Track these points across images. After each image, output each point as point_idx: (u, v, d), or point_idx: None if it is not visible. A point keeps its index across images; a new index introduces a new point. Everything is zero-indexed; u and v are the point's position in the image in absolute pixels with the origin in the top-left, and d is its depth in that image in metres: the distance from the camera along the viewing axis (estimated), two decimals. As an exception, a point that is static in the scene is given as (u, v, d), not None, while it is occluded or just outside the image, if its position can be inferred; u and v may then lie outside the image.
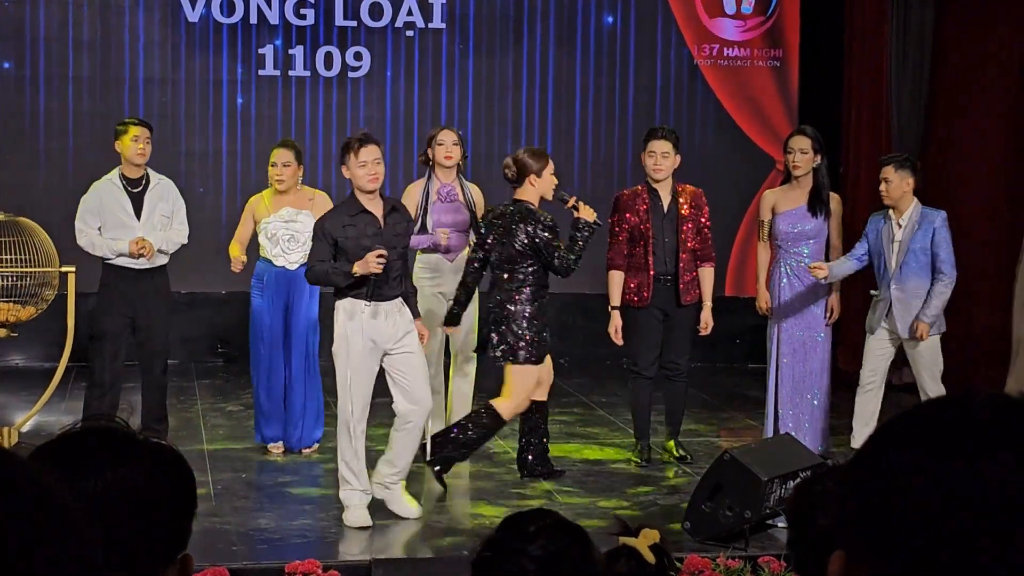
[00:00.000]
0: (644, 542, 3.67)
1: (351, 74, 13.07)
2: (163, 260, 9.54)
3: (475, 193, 9.69)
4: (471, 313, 9.51)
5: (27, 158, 12.70)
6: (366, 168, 7.98)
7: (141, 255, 9.32)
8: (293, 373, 9.63)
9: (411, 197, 9.57)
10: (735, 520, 7.69)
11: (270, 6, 12.91)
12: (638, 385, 9.60)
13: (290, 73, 13.01)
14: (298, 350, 9.62)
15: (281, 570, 7.20)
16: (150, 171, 9.59)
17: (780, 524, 7.99)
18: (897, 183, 9.09)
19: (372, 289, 7.92)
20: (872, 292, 9.47)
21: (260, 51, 12.95)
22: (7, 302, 8.75)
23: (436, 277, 9.55)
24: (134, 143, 9.40)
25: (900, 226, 9.14)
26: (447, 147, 9.51)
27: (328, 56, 13.02)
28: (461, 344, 9.62)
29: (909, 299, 9.14)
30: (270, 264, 9.56)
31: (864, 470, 1.48)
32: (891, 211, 9.19)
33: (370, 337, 7.95)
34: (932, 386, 9.21)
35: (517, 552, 2.95)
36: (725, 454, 7.86)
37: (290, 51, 12.99)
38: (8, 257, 8.72)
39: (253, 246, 9.71)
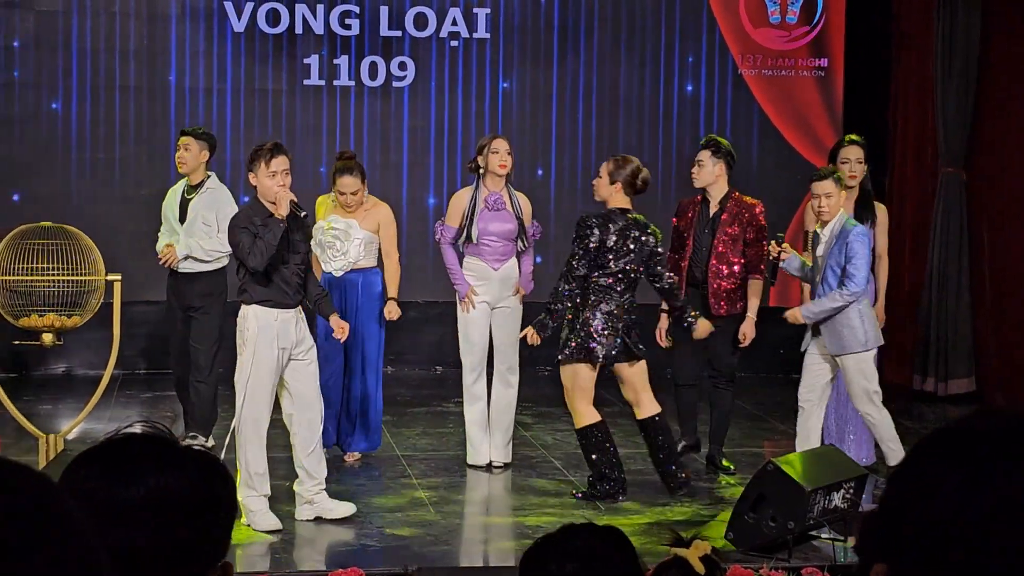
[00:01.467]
0: (695, 553, 3.68)
1: (395, 84, 13.09)
2: (202, 266, 9.70)
3: (523, 202, 9.68)
4: (519, 321, 9.55)
5: (74, 167, 12.78)
6: (276, 178, 8.03)
7: (162, 259, 9.67)
8: (347, 381, 9.67)
9: (458, 204, 9.58)
10: (778, 531, 7.66)
11: (315, 16, 12.96)
12: (677, 393, 9.64)
13: (335, 83, 13.05)
14: (367, 361, 9.68)
15: (324, 577, 7.22)
16: (211, 179, 9.88)
17: (823, 535, 7.96)
18: (836, 199, 8.72)
19: (279, 297, 8.01)
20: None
21: (305, 61, 13.00)
22: (54, 310, 8.81)
23: (481, 285, 9.55)
24: (176, 152, 9.79)
25: (822, 241, 8.79)
26: (501, 155, 9.50)
27: (372, 66, 13.05)
28: (505, 354, 9.62)
29: (834, 316, 8.73)
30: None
31: (903, 486, 1.48)
32: (816, 226, 8.87)
33: (279, 344, 8.02)
34: (862, 403, 8.82)
35: (560, 562, 2.95)
36: (768, 464, 7.83)
37: (335, 61, 13.03)
38: (55, 266, 8.78)
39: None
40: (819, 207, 8.68)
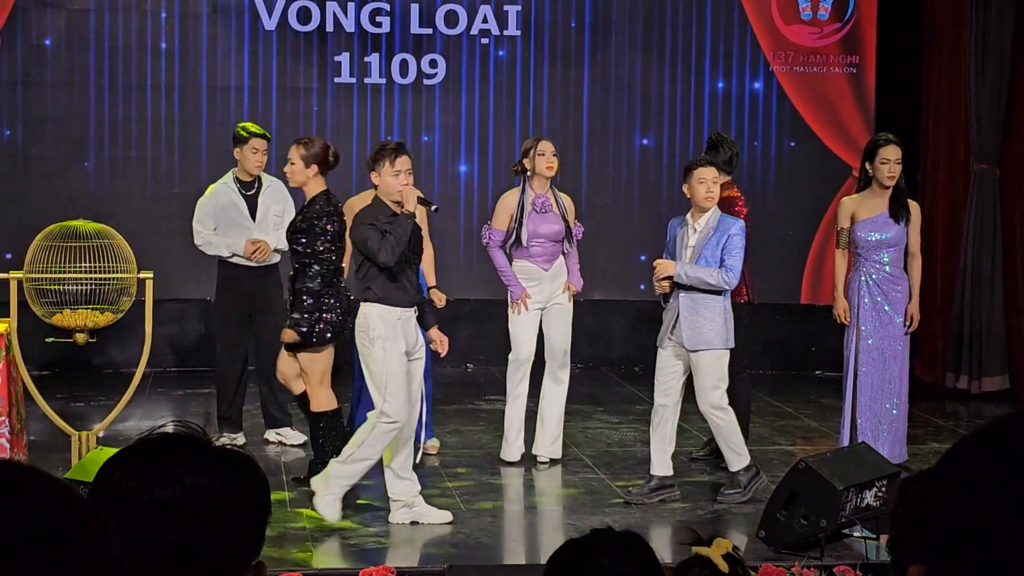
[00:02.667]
0: (717, 551, 3.67)
1: (426, 81, 13.10)
2: (276, 259, 9.94)
3: (568, 203, 9.70)
4: (570, 319, 9.58)
5: (106, 165, 12.82)
6: (400, 177, 8.10)
7: (255, 255, 9.76)
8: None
9: (505, 207, 9.59)
10: (810, 529, 7.64)
11: (346, 14, 12.96)
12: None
13: (365, 80, 13.05)
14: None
15: (356, 575, 7.23)
16: (262, 173, 9.99)
17: (856, 533, 7.93)
18: (719, 186, 8.64)
19: (401, 296, 8.06)
20: (662, 304, 8.84)
21: (336, 59, 13.01)
22: (86, 308, 8.84)
23: (533, 286, 9.56)
24: (253, 155, 9.81)
25: (696, 231, 8.64)
26: (548, 157, 9.53)
27: (403, 63, 13.06)
28: (556, 351, 9.63)
29: (698, 309, 8.58)
30: None
31: (940, 487, 1.47)
32: (688, 216, 8.73)
33: (404, 342, 8.08)
34: (710, 401, 8.59)
35: (587, 563, 2.97)
36: (800, 462, 7.81)
37: (366, 59, 13.04)
38: (87, 264, 8.81)
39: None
40: (707, 193, 8.54)
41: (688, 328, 8.54)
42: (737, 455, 8.73)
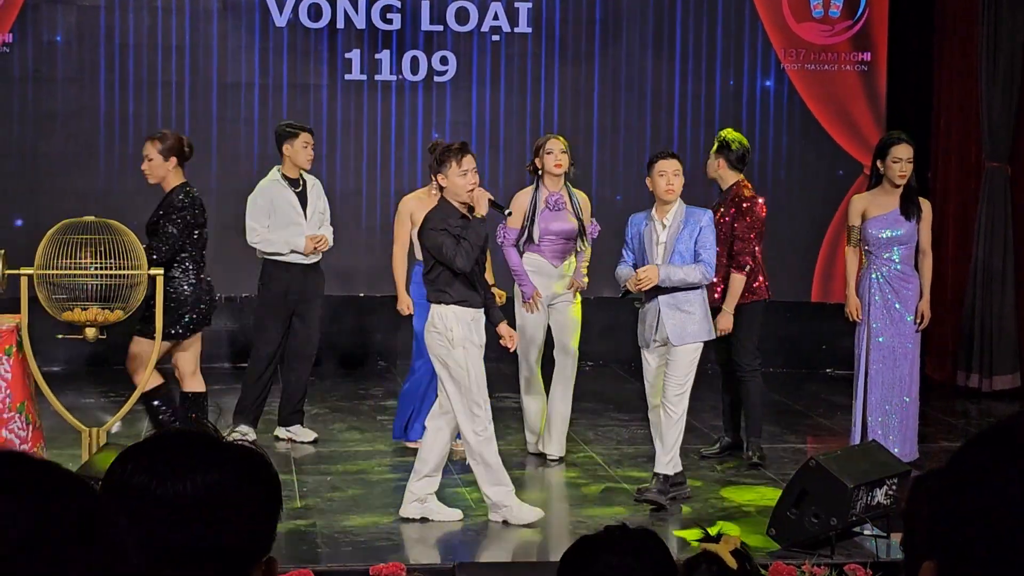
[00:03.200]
0: (725, 547, 3.66)
1: (437, 79, 13.09)
2: (319, 256, 10.05)
3: (583, 201, 9.70)
4: (576, 317, 9.58)
5: (116, 162, 12.82)
6: (468, 177, 8.09)
7: (318, 247, 9.91)
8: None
9: (518, 205, 9.59)
10: (821, 527, 7.63)
11: (357, 11, 12.96)
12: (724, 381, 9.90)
13: (376, 78, 13.05)
14: None
15: (366, 572, 7.23)
16: (303, 172, 10.08)
17: (866, 532, 7.93)
18: (682, 178, 8.53)
19: (473, 297, 8.10)
20: (636, 303, 8.70)
21: (347, 56, 13.01)
22: (97, 304, 8.84)
23: (540, 281, 9.57)
24: (304, 149, 9.90)
25: (665, 226, 8.51)
26: (556, 155, 9.53)
27: (414, 60, 13.05)
28: (563, 348, 9.64)
29: (680, 306, 8.49)
30: None
31: (953, 484, 1.46)
32: (654, 211, 8.56)
33: (478, 342, 8.12)
34: (679, 394, 8.47)
35: (600, 559, 2.96)
36: (811, 460, 7.80)
37: (376, 56, 13.04)
38: (98, 260, 8.80)
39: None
40: (667, 186, 8.43)
41: (672, 326, 8.46)
42: (669, 458, 8.61)
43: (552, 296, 9.60)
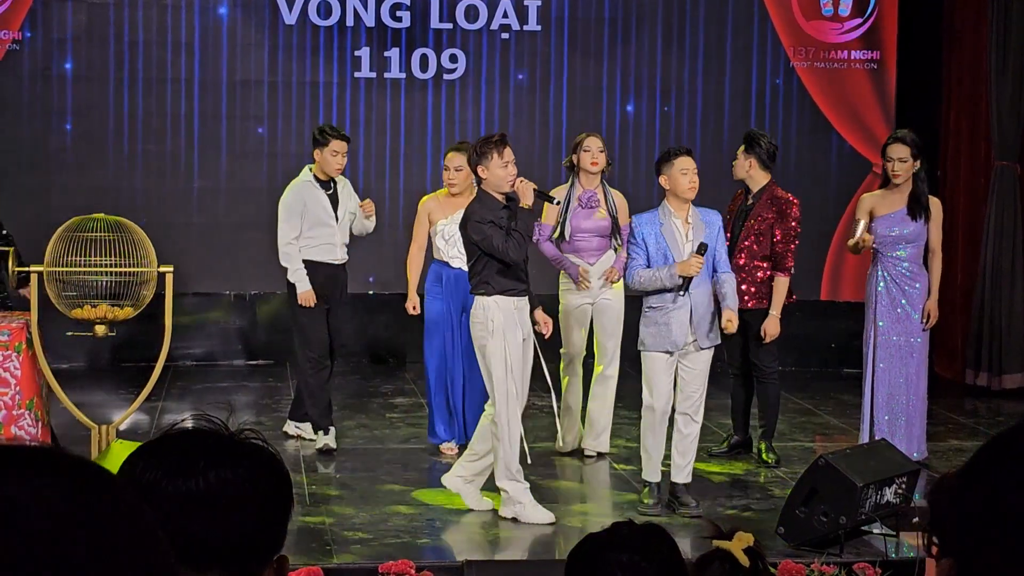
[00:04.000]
0: (738, 545, 3.66)
1: (446, 76, 13.09)
2: (347, 256, 9.98)
3: (618, 200, 9.66)
4: (619, 314, 9.54)
5: (125, 160, 12.84)
6: (509, 168, 8.11)
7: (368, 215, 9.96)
8: (469, 375, 9.71)
9: None
10: (830, 526, 7.62)
11: (366, 8, 12.97)
12: (734, 383, 9.81)
13: (385, 75, 13.06)
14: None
15: (375, 570, 7.23)
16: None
17: (876, 530, 7.92)
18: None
19: (517, 286, 8.13)
20: (653, 306, 8.30)
21: (356, 53, 13.01)
22: (106, 301, 8.85)
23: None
24: (333, 157, 9.74)
25: (690, 223, 8.32)
26: (593, 153, 9.53)
27: (423, 58, 13.06)
28: (603, 346, 9.63)
29: (708, 305, 8.31)
30: (446, 266, 9.67)
31: (974, 484, 1.46)
32: (671, 209, 8.34)
33: (521, 331, 8.13)
34: (701, 399, 8.35)
35: (609, 554, 2.96)
36: (820, 459, 7.79)
37: (385, 53, 13.04)
38: (107, 258, 8.82)
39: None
40: (690, 184, 8.28)
41: (703, 327, 8.27)
42: (690, 465, 8.52)
43: (594, 294, 9.57)
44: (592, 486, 9.30)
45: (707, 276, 8.33)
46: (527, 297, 8.22)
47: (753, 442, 9.82)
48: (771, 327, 9.40)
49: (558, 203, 8.89)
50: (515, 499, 8.15)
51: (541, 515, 8.15)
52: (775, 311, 9.41)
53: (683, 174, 8.29)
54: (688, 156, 8.36)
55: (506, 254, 7.97)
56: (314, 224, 9.79)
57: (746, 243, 9.49)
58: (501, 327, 8.02)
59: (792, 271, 9.53)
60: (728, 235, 9.34)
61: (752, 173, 9.59)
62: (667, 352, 8.26)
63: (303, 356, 9.90)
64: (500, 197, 8.11)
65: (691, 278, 8.17)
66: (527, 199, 8.08)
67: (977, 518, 1.44)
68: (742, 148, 9.66)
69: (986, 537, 1.42)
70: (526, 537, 8.00)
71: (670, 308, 8.24)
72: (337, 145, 9.74)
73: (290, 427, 10.17)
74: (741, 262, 9.42)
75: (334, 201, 9.85)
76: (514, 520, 8.16)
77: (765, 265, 9.47)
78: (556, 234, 9.55)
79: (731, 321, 8.28)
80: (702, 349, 8.32)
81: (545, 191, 8.59)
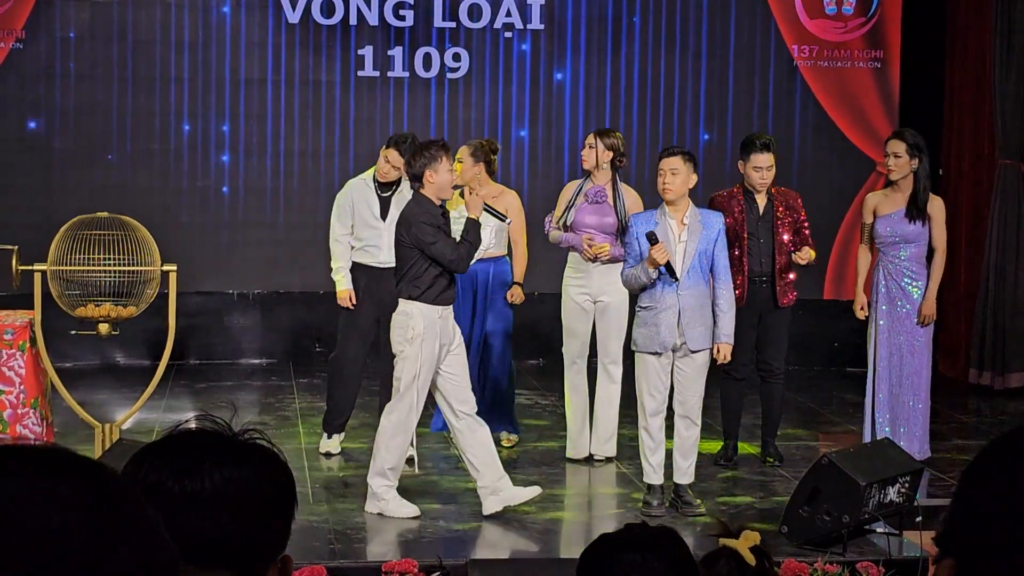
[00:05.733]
0: (745, 543, 3.67)
1: (449, 75, 13.09)
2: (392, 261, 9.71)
3: (628, 199, 9.57)
4: (622, 317, 9.49)
5: (128, 159, 12.84)
6: (451, 175, 8.23)
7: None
8: (490, 372, 9.71)
9: (563, 197, 9.59)
10: (833, 525, 7.62)
11: (369, 7, 12.97)
12: (728, 385, 9.54)
13: (388, 74, 13.06)
14: (495, 349, 9.74)
15: (378, 569, 7.23)
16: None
17: (879, 529, 7.92)
18: (684, 176, 8.24)
19: (446, 294, 8.17)
20: (644, 306, 8.29)
21: (359, 52, 13.01)
22: (109, 300, 8.86)
23: (581, 277, 9.52)
24: (384, 164, 9.61)
25: (684, 224, 8.22)
26: (585, 150, 9.53)
27: (427, 57, 13.06)
28: (608, 347, 9.58)
29: (699, 307, 8.25)
30: None
31: (978, 484, 1.46)
32: (667, 209, 8.26)
33: (439, 340, 8.16)
34: (699, 399, 8.36)
35: (621, 555, 2.97)
36: (823, 458, 7.79)
37: (389, 52, 13.04)
38: (111, 256, 8.82)
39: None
40: (668, 184, 8.19)
41: (699, 332, 8.24)
42: (691, 466, 8.53)
43: (596, 293, 9.50)
44: (596, 486, 9.29)
45: (702, 279, 8.30)
46: (451, 306, 8.25)
47: (761, 443, 9.78)
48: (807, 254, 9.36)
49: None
50: (380, 496, 8.20)
51: (407, 510, 8.18)
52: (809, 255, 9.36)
53: (659, 174, 8.27)
54: (669, 157, 8.29)
55: (457, 264, 8.02)
56: (361, 225, 9.69)
57: (785, 239, 9.40)
58: (420, 336, 8.05)
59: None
60: (745, 240, 9.29)
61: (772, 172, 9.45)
62: (656, 353, 8.25)
63: (333, 355, 9.92)
64: (437, 202, 8.12)
65: (669, 265, 8.14)
66: (475, 211, 8.11)
67: (979, 518, 1.44)
68: (766, 157, 9.36)
69: (987, 537, 1.42)
70: (530, 536, 8.00)
71: (658, 309, 8.22)
72: (386, 153, 9.59)
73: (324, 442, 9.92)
74: (778, 266, 9.38)
75: (385, 203, 9.68)
76: (380, 515, 8.22)
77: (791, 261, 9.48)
78: (559, 226, 9.52)
79: (722, 355, 8.42)
80: (693, 352, 8.29)
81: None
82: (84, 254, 8.78)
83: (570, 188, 9.64)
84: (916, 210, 9.26)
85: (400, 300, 8.16)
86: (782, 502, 8.14)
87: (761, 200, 9.41)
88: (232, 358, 12.98)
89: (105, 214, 8.98)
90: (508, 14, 13.09)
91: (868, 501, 7.67)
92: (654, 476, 8.42)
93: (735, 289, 8.75)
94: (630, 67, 13.26)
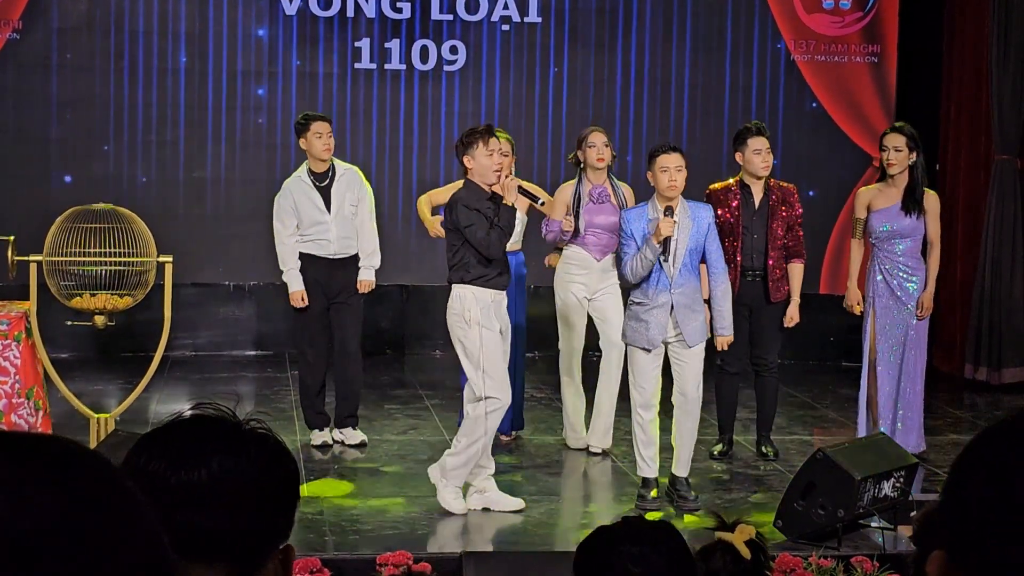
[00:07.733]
0: (740, 537, 3.67)
1: (446, 68, 13.09)
2: (353, 251, 9.71)
3: (627, 193, 9.61)
4: (618, 308, 9.47)
5: (125, 150, 12.84)
6: (493, 158, 8.11)
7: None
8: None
9: (560, 198, 9.55)
10: (828, 519, 7.63)
11: (367, 0, 12.96)
12: (722, 380, 9.54)
13: (386, 67, 13.05)
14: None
15: (373, 561, 7.24)
16: (336, 162, 9.75)
17: (873, 524, 7.93)
18: (685, 173, 8.24)
19: (498, 277, 8.14)
20: (636, 301, 8.30)
21: (356, 44, 13.01)
22: (105, 291, 8.86)
23: (581, 274, 9.51)
24: (318, 139, 9.52)
25: (677, 220, 8.21)
26: (598, 149, 9.48)
27: (424, 50, 13.05)
28: (609, 341, 9.54)
29: (692, 303, 8.25)
30: None
31: (967, 475, 1.46)
32: (659, 205, 8.23)
33: (497, 323, 8.12)
34: (697, 391, 8.33)
35: (618, 547, 2.97)
36: (818, 452, 7.80)
37: (386, 45, 13.04)
38: (107, 248, 8.82)
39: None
40: (670, 182, 8.15)
41: (692, 327, 8.23)
42: (690, 459, 8.57)
43: (593, 289, 9.53)
44: (592, 479, 9.30)
45: (693, 275, 8.29)
46: (504, 291, 8.21)
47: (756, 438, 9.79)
48: (796, 313, 9.40)
49: (543, 204, 8.84)
50: (478, 487, 8.21)
51: (459, 505, 8.15)
52: (798, 296, 9.42)
53: (663, 172, 8.21)
54: (670, 153, 8.24)
55: (487, 247, 7.97)
56: (309, 223, 9.58)
57: (779, 234, 9.39)
58: (478, 319, 8.02)
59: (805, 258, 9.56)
60: (740, 235, 9.28)
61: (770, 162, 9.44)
62: (644, 349, 8.25)
63: (298, 353, 9.87)
64: (486, 188, 8.10)
65: (669, 240, 8.14)
66: (511, 196, 8.08)
67: (970, 508, 1.44)
68: (762, 140, 9.35)
69: (979, 528, 1.42)
70: (525, 529, 8.00)
71: (650, 305, 8.22)
72: (318, 126, 9.51)
73: (336, 433, 9.89)
74: (772, 262, 9.37)
75: (326, 195, 9.60)
76: (485, 510, 8.21)
77: (787, 257, 9.47)
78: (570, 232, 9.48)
79: (720, 345, 8.49)
80: (690, 346, 8.30)
81: (530, 191, 8.59)
82: (80, 246, 8.78)
83: (566, 190, 9.60)
84: (912, 203, 9.26)
85: (452, 285, 8.14)
86: (777, 496, 8.14)
87: (757, 194, 9.39)
88: (227, 349, 12.99)
89: (101, 205, 8.98)
90: (505, 7, 13.08)
91: (863, 495, 7.68)
92: (647, 469, 8.41)
93: None
94: (627, 61, 13.26)
